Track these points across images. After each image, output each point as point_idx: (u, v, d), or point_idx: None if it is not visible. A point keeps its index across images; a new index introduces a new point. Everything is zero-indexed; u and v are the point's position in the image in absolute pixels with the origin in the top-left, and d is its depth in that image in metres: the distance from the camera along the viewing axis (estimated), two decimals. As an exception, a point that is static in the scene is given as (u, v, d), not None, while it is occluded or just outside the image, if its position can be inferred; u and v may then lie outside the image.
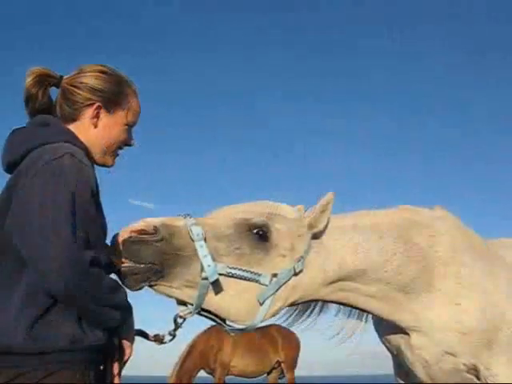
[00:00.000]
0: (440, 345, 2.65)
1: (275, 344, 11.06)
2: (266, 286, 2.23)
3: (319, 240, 2.48)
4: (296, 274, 2.33)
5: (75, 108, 2.19)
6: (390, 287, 2.57)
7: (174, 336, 2.28)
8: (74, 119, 2.20)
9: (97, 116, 2.20)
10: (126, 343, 2.14)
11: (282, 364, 11.24)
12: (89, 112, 2.18)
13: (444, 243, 2.74)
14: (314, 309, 2.79)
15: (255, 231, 2.27)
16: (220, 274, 2.14)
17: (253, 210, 2.37)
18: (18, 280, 1.89)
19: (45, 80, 2.21)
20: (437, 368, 2.72)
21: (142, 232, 2.09)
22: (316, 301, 2.60)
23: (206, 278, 2.11)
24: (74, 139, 2.10)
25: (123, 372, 2.16)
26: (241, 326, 2.31)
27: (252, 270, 2.21)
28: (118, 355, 2.11)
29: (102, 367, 2.04)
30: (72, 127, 2.18)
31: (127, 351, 2.14)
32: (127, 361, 2.18)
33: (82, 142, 2.13)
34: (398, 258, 2.57)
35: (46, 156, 1.94)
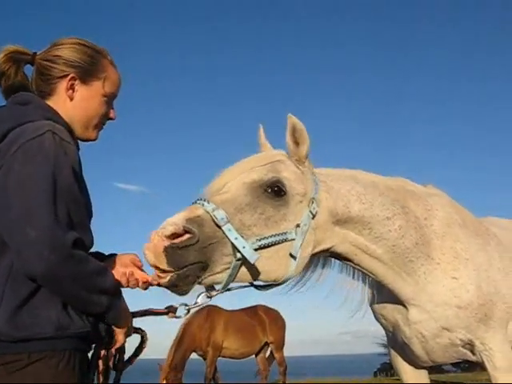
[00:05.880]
0: (438, 320, 2.68)
1: (263, 325, 11.17)
2: (294, 239, 2.26)
3: (325, 183, 2.49)
4: (313, 217, 2.36)
5: (50, 82, 2.10)
6: (395, 251, 2.60)
7: (188, 311, 2.21)
8: (50, 94, 2.11)
9: (72, 88, 2.10)
10: (116, 329, 2.02)
11: (271, 345, 11.37)
12: (63, 84, 2.09)
13: (439, 218, 2.78)
14: (317, 264, 2.75)
15: (270, 189, 2.27)
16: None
17: (253, 166, 2.34)
18: None
19: (17, 57, 2.12)
20: (433, 343, 2.76)
21: (174, 236, 2.03)
22: (326, 252, 2.57)
23: (239, 259, 2.11)
24: (55, 116, 2.02)
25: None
26: (279, 282, 2.32)
27: (279, 231, 2.22)
28: (106, 342, 2.01)
29: (89, 355, 1.96)
30: (50, 103, 2.09)
31: (118, 338, 2.04)
32: (122, 348, 2.11)
33: (63, 119, 2.05)
34: (398, 218, 2.61)
35: (25, 134, 1.85)
